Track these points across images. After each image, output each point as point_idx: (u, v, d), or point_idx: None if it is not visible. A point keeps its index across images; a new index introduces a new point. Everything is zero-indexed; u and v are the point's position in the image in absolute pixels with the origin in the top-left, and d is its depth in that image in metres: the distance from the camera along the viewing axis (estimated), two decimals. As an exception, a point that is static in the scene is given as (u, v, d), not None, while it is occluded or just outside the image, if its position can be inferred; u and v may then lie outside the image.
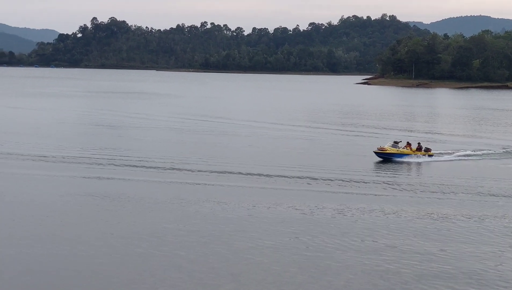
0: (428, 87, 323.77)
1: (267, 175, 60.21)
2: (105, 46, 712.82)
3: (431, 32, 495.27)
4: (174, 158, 69.18)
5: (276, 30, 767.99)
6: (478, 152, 79.88)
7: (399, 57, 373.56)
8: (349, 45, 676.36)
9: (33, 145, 77.03)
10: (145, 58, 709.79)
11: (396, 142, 73.95)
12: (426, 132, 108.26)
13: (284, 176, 60.11)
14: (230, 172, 60.82)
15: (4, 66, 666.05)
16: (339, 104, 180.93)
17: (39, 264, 33.70)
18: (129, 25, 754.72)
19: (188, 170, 61.66)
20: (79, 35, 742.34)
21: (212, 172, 60.78)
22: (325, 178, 60.24)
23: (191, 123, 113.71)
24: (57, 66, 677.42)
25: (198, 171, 61.33)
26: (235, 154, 74.70)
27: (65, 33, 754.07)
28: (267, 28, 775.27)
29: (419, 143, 75.58)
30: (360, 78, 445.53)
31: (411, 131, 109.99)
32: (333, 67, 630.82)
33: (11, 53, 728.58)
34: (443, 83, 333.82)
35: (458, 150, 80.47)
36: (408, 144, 74.47)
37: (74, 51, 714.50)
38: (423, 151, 74.19)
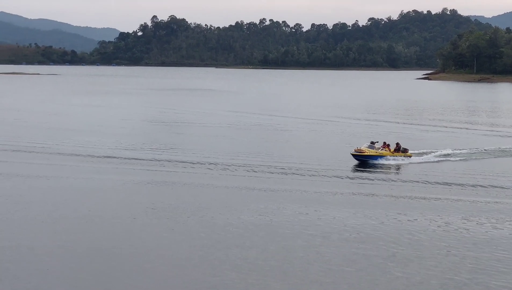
0: (490, 82, 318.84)
1: (325, 176, 59.71)
2: (165, 44, 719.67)
3: (493, 26, 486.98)
4: (236, 156, 69.12)
5: (335, 26, 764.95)
6: (459, 151, 73.55)
7: (460, 52, 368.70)
8: (409, 40, 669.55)
9: (96, 144, 77.68)
10: (205, 55, 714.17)
11: (373, 143, 67.90)
12: (489, 126, 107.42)
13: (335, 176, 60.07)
14: (295, 173, 59.77)
15: (67, 64, 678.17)
16: (400, 99, 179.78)
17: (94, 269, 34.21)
18: (189, 22, 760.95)
19: (247, 169, 61.38)
20: (140, 33, 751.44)
21: (273, 173, 60.01)
22: (385, 179, 60.30)
23: (253, 119, 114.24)
24: (118, 64, 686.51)
25: (254, 170, 60.70)
26: (297, 152, 74.05)
27: (126, 32, 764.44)
28: (326, 24, 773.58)
29: (397, 144, 69.36)
30: (420, 73, 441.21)
31: (472, 124, 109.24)
32: (393, 63, 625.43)
33: (73, 52, 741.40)
34: (506, 78, 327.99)
35: (436, 150, 73.64)
36: (385, 144, 68.39)
37: (134, 49, 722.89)
38: (400, 152, 68.00)
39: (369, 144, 67.47)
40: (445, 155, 70.90)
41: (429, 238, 38.52)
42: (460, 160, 69.01)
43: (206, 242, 37.25)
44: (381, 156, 66.19)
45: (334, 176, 59.14)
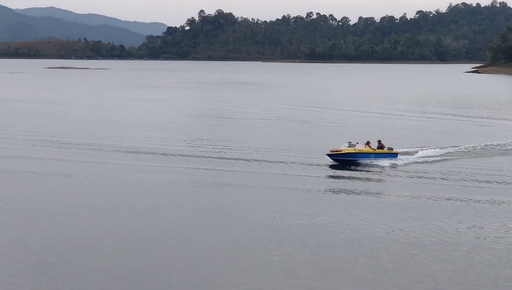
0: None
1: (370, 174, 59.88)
2: (212, 38, 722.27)
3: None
4: (285, 152, 68.51)
5: (382, 19, 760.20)
6: (444, 151, 68.09)
7: (510, 45, 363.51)
8: (458, 33, 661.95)
9: (145, 139, 77.75)
10: (251, 49, 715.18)
11: (351, 143, 62.12)
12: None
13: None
14: (340, 173, 58.71)
15: (115, 59, 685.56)
16: (448, 93, 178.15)
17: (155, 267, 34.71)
18: (236, 17, 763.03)
19: (295, 166, 60.53)
20: (187, 28, 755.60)
21: (319, 170, 59.39)
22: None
23: (301, 113, 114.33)
24: (165, 58, 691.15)
25: (301, 168, 59.74)
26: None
27: (174, 26, 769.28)
28: (373, 17, 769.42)
29: (379, 141, 64.00)
30: (469, 66, 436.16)
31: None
32: (441, 56, 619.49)
33: (121, 46, 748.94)
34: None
35: (421, 148, 68.88)
36: (367, 143, 62.77)
37: (182, 44, 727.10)
38: (386, 150, 62.92)
39: (348, 144, 62.24)
40: (429, 155, 65.62)
41: (482, 242, 38.04)
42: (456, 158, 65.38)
43: (248, 239, 37.69)
44: (361, 154, 61.21)
45: (382, 171, 59.15)
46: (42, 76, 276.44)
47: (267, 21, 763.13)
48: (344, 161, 60.68)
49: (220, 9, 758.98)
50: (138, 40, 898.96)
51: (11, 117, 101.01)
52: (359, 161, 61.09)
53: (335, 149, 61.83)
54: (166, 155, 65.56)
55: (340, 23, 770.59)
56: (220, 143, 74.10)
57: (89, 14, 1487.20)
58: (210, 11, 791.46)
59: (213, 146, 71.77)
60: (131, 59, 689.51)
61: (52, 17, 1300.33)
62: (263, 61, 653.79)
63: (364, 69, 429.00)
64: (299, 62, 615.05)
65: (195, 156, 65.00)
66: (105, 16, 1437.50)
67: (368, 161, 61.25)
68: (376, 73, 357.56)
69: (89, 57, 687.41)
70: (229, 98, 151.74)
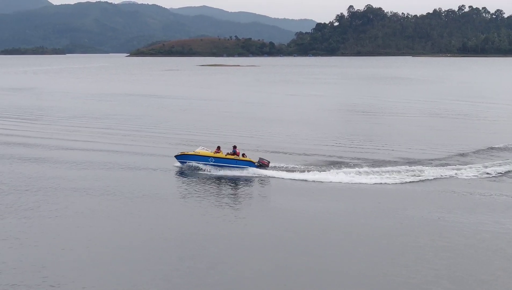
0: None
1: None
2: (361, 33, 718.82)
3: None
4: (440, 151, 66.48)
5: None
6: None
7: None
8: None
9: (292, 137, 77.23)
10: (401, 44, 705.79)
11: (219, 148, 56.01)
12: None
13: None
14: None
15: (265, 56, 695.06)
16: None
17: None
18: (385, 11, 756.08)
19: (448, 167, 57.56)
20: (336, 23, 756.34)
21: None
22: None
23: (455, 108, 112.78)
24: (314, 55, 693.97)
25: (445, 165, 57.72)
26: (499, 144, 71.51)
27: (322, 22, 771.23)
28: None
29: (234, 147, 55.72)
30: None
31: None
32: None
33: (271, 43, 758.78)
34: None
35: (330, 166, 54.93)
36: (218, 148, 55.67)
37: (331, 39, 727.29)
38: (231, 156, 54.77)
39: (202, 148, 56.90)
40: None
41: None
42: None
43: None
44: (197, 156, 54.82)
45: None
46: (195, 73, 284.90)
47: (417, 15, 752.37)
48: (185, 163, 55.46)
49: (369, 4, 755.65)
50: (287, 37, 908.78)
51: (168, 113, 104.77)
52: (199, 165, 54.70)
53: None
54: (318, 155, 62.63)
55: (493, 16, 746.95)
56: (365, 141, 73.46)
57: (240, 12, 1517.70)
58: (359, 6, 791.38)
59: (356, 145, 69.72)
60: (280, 56, 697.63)
61: (204, 15, 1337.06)
62: (413, 56, 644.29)
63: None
64: (450, 56, 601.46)
65: (332, 162, 57.92)
66: (255, 13, 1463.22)
67: (208, 166, 54.34)
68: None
69: (240, 54, 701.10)
70: (378, 93, 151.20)
